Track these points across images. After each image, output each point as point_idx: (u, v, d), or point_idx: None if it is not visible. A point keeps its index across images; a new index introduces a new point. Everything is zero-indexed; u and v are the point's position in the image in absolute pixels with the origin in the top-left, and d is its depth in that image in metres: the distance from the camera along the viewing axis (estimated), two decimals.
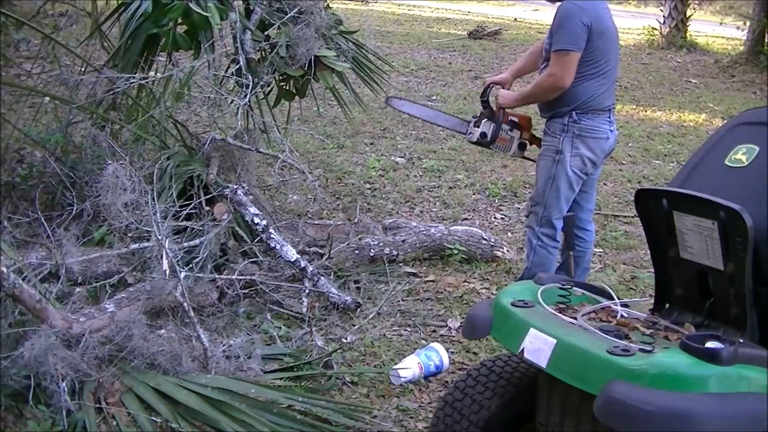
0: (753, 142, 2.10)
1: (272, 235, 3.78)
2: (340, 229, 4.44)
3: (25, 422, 2.55)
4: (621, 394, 1.70)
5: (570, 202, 3.64)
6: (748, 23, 12.42)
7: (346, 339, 3.47)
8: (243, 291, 3.57)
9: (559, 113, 3.54)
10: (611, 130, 3.57)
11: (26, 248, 3.51)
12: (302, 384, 3.07)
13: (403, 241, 4.32)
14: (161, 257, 3.15)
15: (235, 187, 3.88)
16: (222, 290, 3.56)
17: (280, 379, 3.04)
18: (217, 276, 3.55)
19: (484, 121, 3.75)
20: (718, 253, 1.96)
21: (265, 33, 4.27)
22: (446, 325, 3.70)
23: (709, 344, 1.76)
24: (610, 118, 3.57)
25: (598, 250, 4.62)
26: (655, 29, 13.42)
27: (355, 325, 3.59)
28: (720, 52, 13.12)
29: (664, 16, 13.38)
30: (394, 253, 4.24)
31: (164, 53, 4.44)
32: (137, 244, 3.47)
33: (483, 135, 3.74)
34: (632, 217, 5.12)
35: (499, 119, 3.73)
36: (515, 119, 3.77)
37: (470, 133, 3.83)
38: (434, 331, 3.66)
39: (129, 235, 3.43)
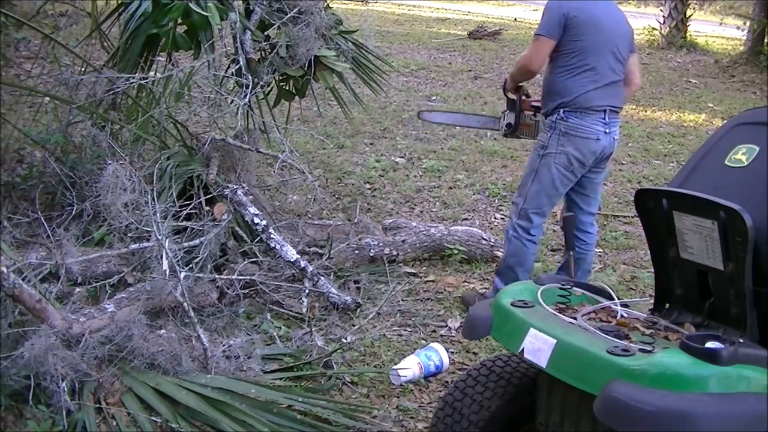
0: (753, 142, 2.10)
1: (272, 235, 3.78)
2: (340, 229, 4.44)
3: (25, 422, 2.55)
4: (621, 394, 1.70)
5: (553, 200, 3.65)
6: (748, 23, 12.42)
7: (346, 339, 3.47)
8: (243, 291, 3.57)
9: (550, 110, 3.57)
10: (606, 132, 3.50)
11: (26, 248, 3.51)
12: (302, 384, 3.07)
13: (403, 241, 4.32)
14: (161, 257, 3.15)
15: (235, 187, 3.88)
16: (222, 290, 3.56)
17: (280, 379, 3.04)
18: (217, 276, 3.55)
19: (507, 112, 3.91)
20: (718, 253, 1.95)
21: (265, 33, 4.27)
22: (446, 325, 3.70)
23: (709, 344, 1.76)
24: (605, 119, 3.50)
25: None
26: (655, 29, 13.42)
27: (355, 325, 3.59)
28: (720, 52, 13.12)
29: (664, 16, 13.38)
30: (394, 253, 4.24)
31: (164, 53, 4.44)
32: (137, 244, 3.47)
33: (508, 125, 3.90)
34: (632, 217, 5.12)
35: (517, 107, 3.83)
36: (537, 104, 3.83)
37: (501, 127, 3.98)
38: (434, 331, 3.66)
39: (129, 235, 3.42)
